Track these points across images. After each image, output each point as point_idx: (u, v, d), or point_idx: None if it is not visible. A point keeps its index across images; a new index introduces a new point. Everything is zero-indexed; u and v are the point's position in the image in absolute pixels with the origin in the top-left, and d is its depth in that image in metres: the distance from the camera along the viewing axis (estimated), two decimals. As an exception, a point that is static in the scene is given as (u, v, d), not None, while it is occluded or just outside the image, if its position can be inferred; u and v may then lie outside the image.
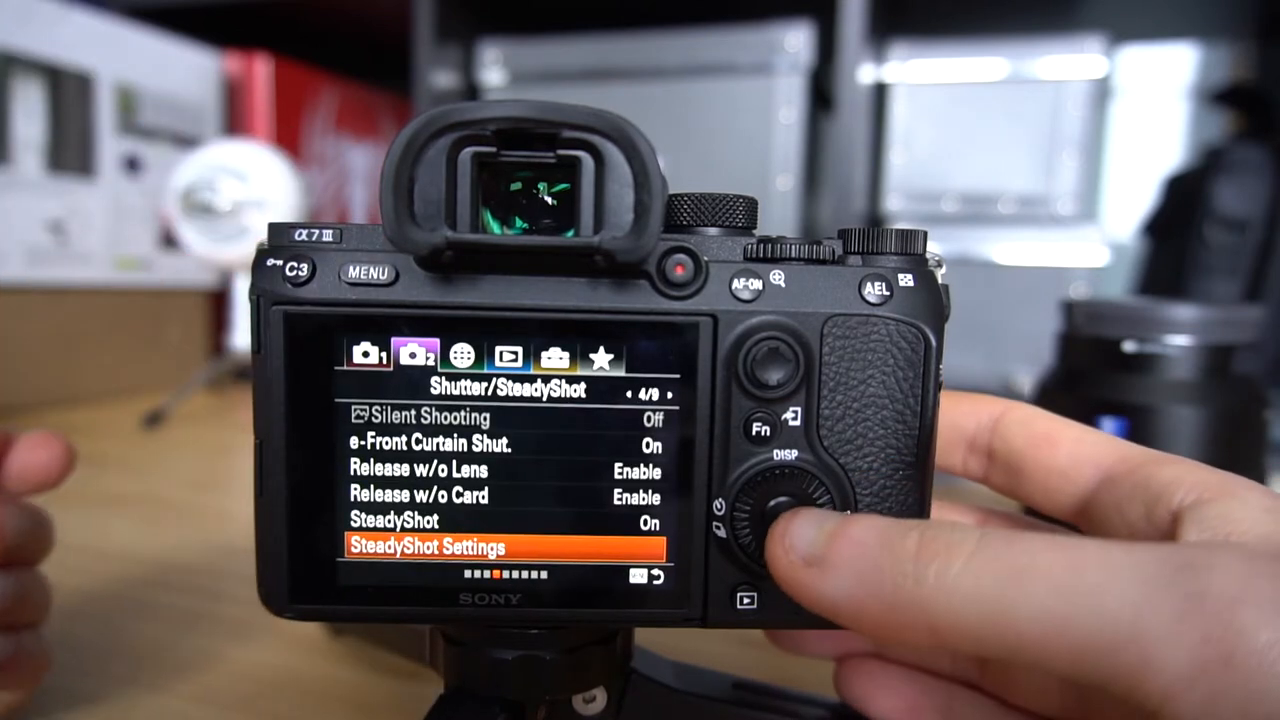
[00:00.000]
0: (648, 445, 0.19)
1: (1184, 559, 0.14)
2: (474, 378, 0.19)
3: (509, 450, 0.19)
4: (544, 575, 0.20)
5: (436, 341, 0.19)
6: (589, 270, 0.19)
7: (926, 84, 0.92)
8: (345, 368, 0.19)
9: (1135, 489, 0.19)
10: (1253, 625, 0.13)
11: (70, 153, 0.84)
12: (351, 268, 0.19)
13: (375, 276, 0.19)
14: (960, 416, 0.23)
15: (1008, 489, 0.23)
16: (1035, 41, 0.89)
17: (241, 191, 0.76)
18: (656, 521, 0.20)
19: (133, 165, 0.91)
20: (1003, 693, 0.23)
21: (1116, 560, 0.14)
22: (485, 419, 0.19)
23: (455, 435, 0.19)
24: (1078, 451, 0.21)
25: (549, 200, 0.19)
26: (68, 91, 0.83)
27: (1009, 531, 0.16)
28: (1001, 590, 0.15)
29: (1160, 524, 0.18)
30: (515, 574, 0.19)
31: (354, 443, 0.19)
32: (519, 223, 0.19)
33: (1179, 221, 0.90)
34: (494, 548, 0.19)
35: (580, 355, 0.19)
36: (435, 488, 0.19)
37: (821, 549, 0.17)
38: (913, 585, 0.16)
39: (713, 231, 0.20)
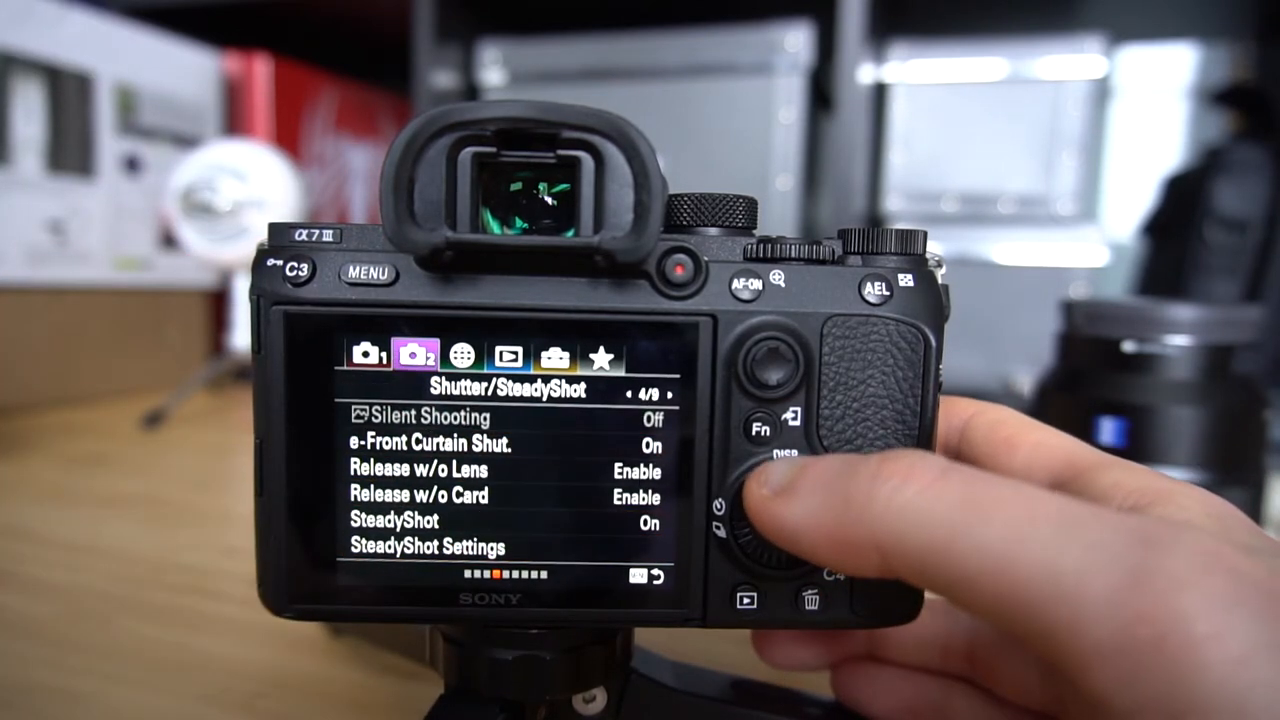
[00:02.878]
0: (648, 445, 0.19)
1: (1146, 531, 0.14)
2: (474, 378, 0.19)
3: (509, 450, 0.19)
4: (544, 575, 0.20)
5: (436, 341, 0.19)
6: (589, 270, 0.19)
7: (926, 84, 0.92)
8: (345, 368, 0.19)
9: (1077, 495, 0.18)
10: (1194, 613, 0.13)
11: (70, 153, 0.84)
12: (351, 268, 0.19)
13: (375, 276, 0.19)
14: None
15: None
16: (1035, 41, 0.89)
17: (241, 191, 0.76)
18: (656, 521, 0.20)
19: (132, 165, 0.91)
20: (992, 686, 0.23)
21: (1077, 515, 0.14)
22: (485, 419, 0.19)
23: (455, 435, 0.19)
24: (1033, 457, 0.20)
25: (549, 200, 0.19)
26: (67, 91, 0.83)
27: (976, 470, 0.16)
28: (953, 519, 0.15)
29: None
30: (515, 574, 0.19)
31: (354, 443, 0.19)
32: (519, 223, 0.19)
33: (1179, 221, 0.90)
34: (494, 548, 0.19)
35: (580, 355, 0.19)
36: (435, 488, 0.19)
37: (790, 478, 0.17)
38: (864, 501, 0.16)
39: (713, 231, 0.20)
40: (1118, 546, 0.14)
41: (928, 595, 0.18)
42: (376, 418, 0.19)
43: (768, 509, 0.18)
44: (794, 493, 0.17)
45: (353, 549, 0.19)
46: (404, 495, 0.19)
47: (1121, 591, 0.13)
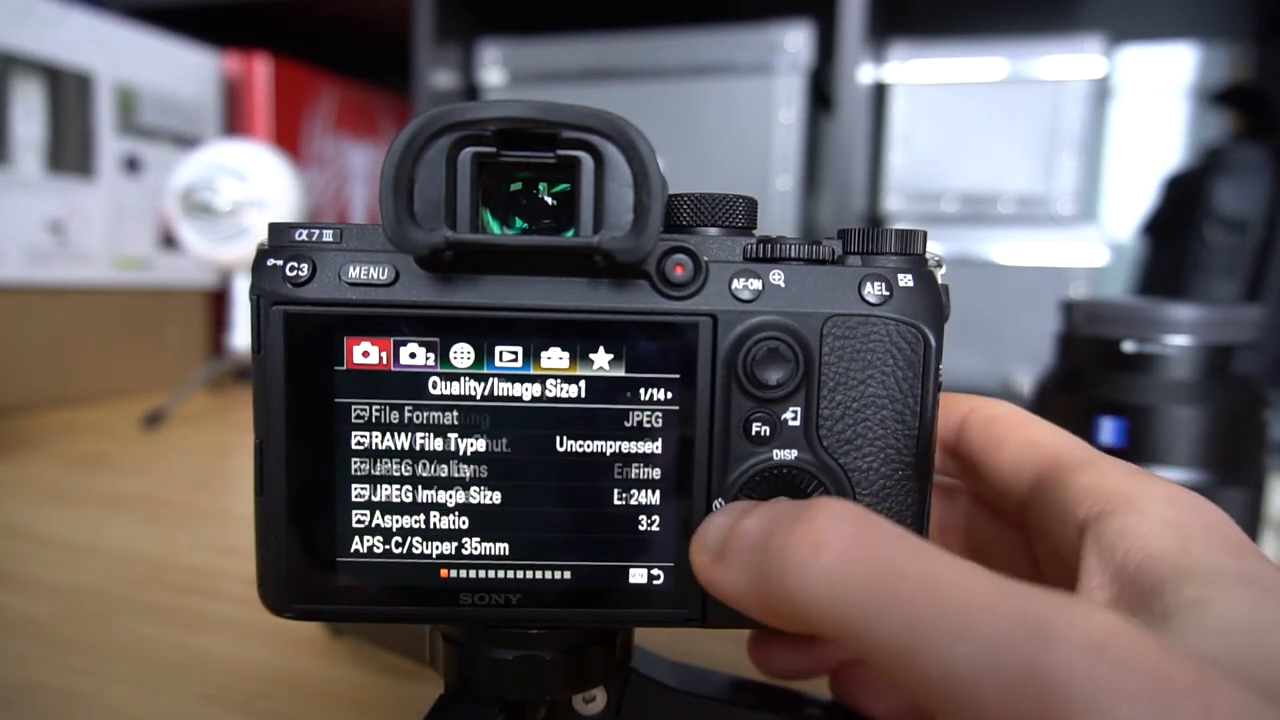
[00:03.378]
0: (647, 445, 0.19)
1: (1037, 621, 0.13)
2: (474, 378, 0.19)
3: (509, 450, 0.19)
4: (544, 575, 0.20)
5: (436, 341, 0.19)
6: (589, 270, 0.19)
7: (926, 84, 0.92)
8: (345, 368, 0.19)
9: (1054, 499, 0.18)
10: (1081, 714, 0.12)
11: (70, 153, 0.84)
12: (351, 268, 0.19)
13: (375, 276, 0.19)
14: None
15: (975, 491, 0.23)
16: (1035, 41, 0.89)
17: (241, 191, 0.76)
18: (656, 521, 0.20)
19: (132, 165, 0.91)
20: None
21: (978, 604, 0.14)
22: (485, 419, 0.19)
23: (455, 435, 0.19)
24: (1021, 455, 0.20)
25: (549, 200, 0.19)
26: (67, 91, 0.83)
27: (891, 533, 0.15)
28: (859, 603, 0.14)
29: (1070, 541, 0.18)
30: (515, 574, 0.19)
31: (354, 443, 0.19)
32: (519, 223, 0.19)
33: (1179, 221, 0.90)
34: (494, 547, 0.19)
35: (580, 355, 0.19)
36: (435, 488, 0.19)
37: (722, 540, 0.17)
38: (779, 576, 0.15)
39: (712, 231, 0.20)
40: (1011, 643, 0.13)
41: None
42: (376, 418, 0.19)
43: (705, 574, 0.17)
44: (723, 559, 0.17)
45: (353, 549, 0.19)
46: (404, 495, 0.19)
47: (1013, 696, 0.13)
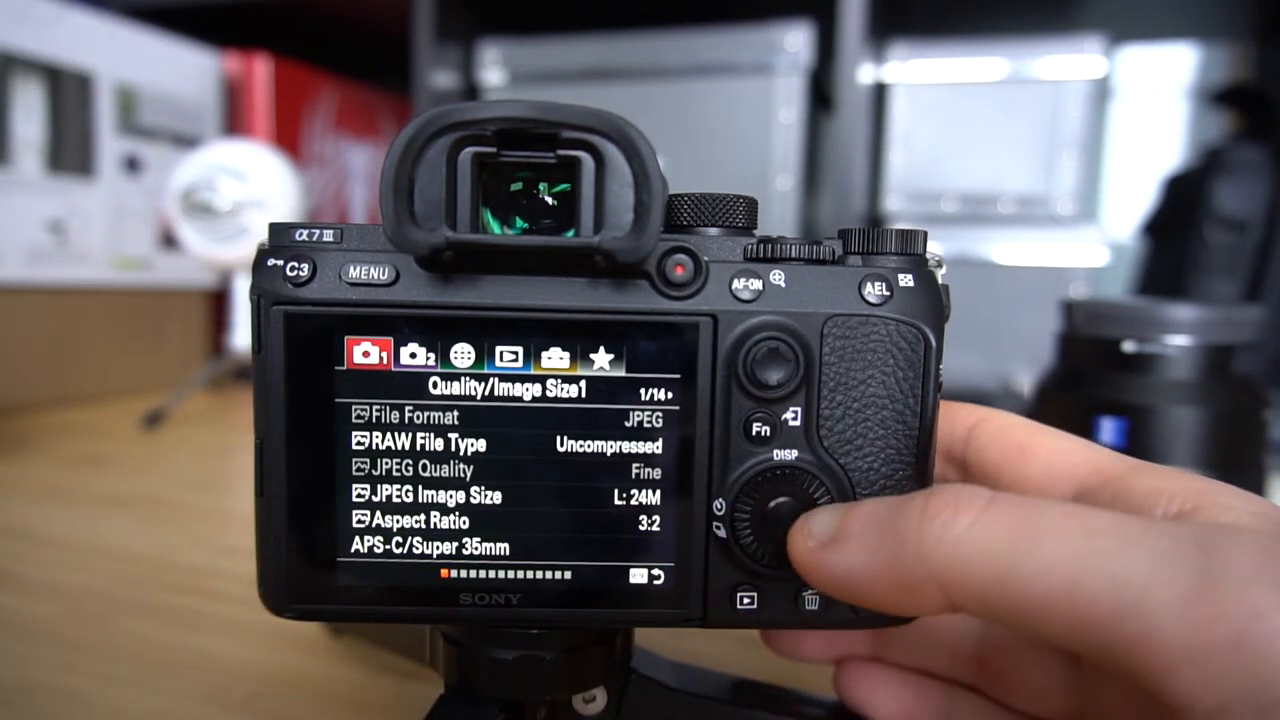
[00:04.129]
0: (648, 445, 0.19)
1: (1202, 536, 0.14)
2: (474, 378, 0.19)
3: (509, 450, 0.19)
4: (544, 575, 0.20)
5: (437, 341, 0.19)
6: (589, 270, 0.19)
7: (926, 84, 0.92)
8: (345, 368, 0.19)
9: (1113, 502, 0.19)
10: (1266, 608, 0.13)
11: (70, 153, 0.84)
12: (352, 268, 0.19)
13: (375, 276, 0.19)
14: None
15: None
16: (1035, 41, 0.89)
17: (241, 191, 0.76)
18: (657, 521, 0.20)
19: (132, 165, 0.91)
20: (1002, 695, 0.23)
21: (1132, 529, 0.14)
22: (486, 419, 0.19)
23: (456, 435, 0.19)
24: (1053, 463, 0.20)
25: (549, 200, 0.19)
26: (67, 91, 0.83)
27: (1022, 496, 0.16)
28: (1011, 546, 0.15)
29: None
30: (515, 574, 0.19)
31: (354, 443, 0.19)
32: (519, 223, 0.19)
33: (1179, 221, 0.90)
34: (494, 547, 0.19)
35: (580, 355, 0.19)
36: (435, 487, 0.19)
37: (836, 527, 0.17)
38: (918, 541, 0.16)
39: (713, 231, 0.20)
40: (1179, 553, 0.14)
41: None
42: (377, 418, 0.19)
43: (818, 560, 0.17)
44: (842, 541, 0.17)
45: (353, 549, 0.19)
46: (404, 495, 0.19)
47: (1191, 595, 0.13)
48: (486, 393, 0.19)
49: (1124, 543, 0.14)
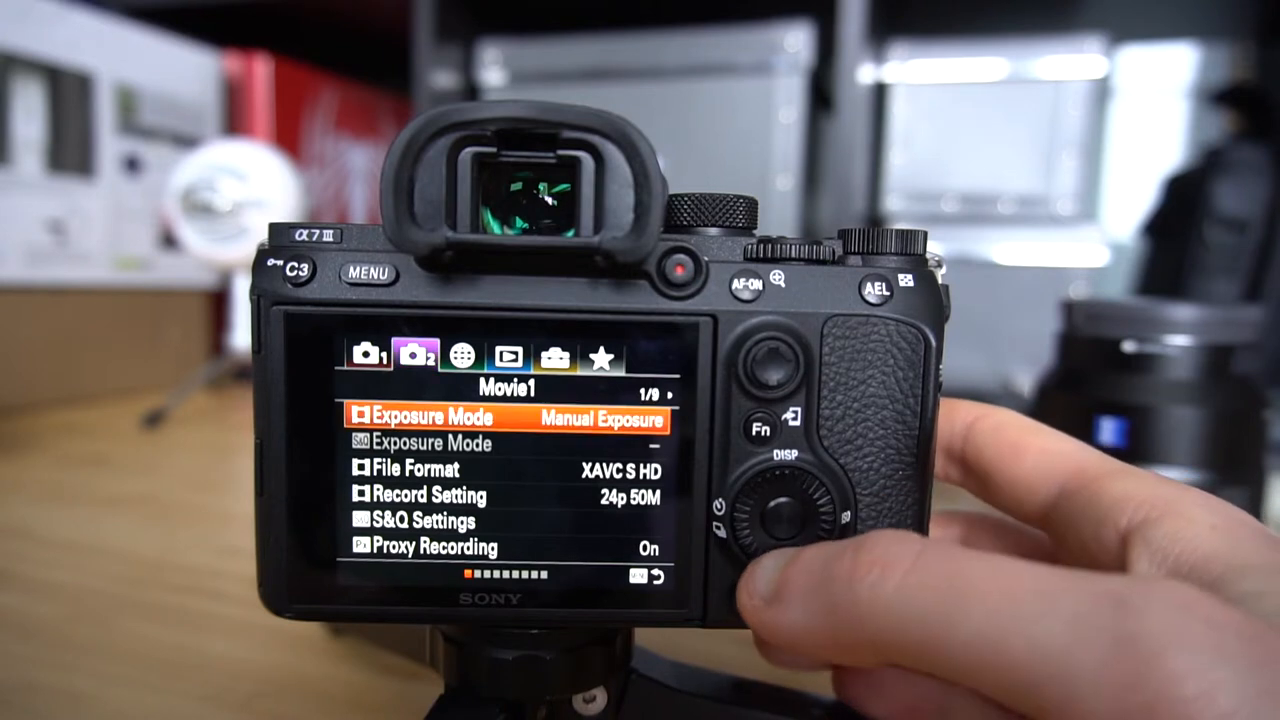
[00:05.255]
0: (647, 445, 0.19)
1: (1119, 595, 0.14)
2: (474, 378, 0.19)
3: (509, 450, 0.19)
4: (544, 575, 0.20)
5: (436, 341, 0.19)
6: (589, 270, 0.19)
7: (926, 84, 0.92)
8: (345, 368, 0.19)
9: (1086, 506, 0.19)
10: (1180, 675, 0.13)
11: (70, 153, 0.84)
12: (352, 268, 0.19)
13: (375, 276, 0.19)
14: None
15: (983, 497, 0.23)
16: (1035, 41, 0.89)
17: (241, 191, 0.76)
18: (656, 521, 0.20)
19: (133, 165, 0.91)
20: None
21: (1053, 589, 0.14)
22: (486, 419, 0.19)
23: (455, 436, 0.19)
24: (1040, 463, 0.20)
25: (549, 200, 0.19)
26: (67, 91, 0.83)
27: (950, 547, 0.16)
28: (937, 610, 0.15)
29: (1109, 545, 0.18)
30: (515, 574, 0.19)
31: (354, 443, 0.19)
32: (519, 223, 0.19)
33: (1179, 221, 0.90)
34: (494, 548, 0.19)
35: (580, 355, 0.19)
36: (435, 488, 0.19)
37: (776, 584, 0.18)
38: (849, 605, 0.16)
39: (713, 231, 0.20)
40: (1097, 616, 0.14)
41: None
42: (377, 418, 0.19)
43: (761, 620, 0.18)
44: (781, 601, 0.17)
45: (353, 549, 0.19)
46: (404, 495, 0.19)
47: (1108, 662, 0.13)
48: (487, 393, 0.19)
49: (1045, 607, 0.14)
